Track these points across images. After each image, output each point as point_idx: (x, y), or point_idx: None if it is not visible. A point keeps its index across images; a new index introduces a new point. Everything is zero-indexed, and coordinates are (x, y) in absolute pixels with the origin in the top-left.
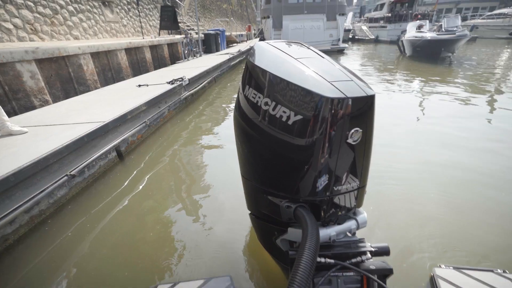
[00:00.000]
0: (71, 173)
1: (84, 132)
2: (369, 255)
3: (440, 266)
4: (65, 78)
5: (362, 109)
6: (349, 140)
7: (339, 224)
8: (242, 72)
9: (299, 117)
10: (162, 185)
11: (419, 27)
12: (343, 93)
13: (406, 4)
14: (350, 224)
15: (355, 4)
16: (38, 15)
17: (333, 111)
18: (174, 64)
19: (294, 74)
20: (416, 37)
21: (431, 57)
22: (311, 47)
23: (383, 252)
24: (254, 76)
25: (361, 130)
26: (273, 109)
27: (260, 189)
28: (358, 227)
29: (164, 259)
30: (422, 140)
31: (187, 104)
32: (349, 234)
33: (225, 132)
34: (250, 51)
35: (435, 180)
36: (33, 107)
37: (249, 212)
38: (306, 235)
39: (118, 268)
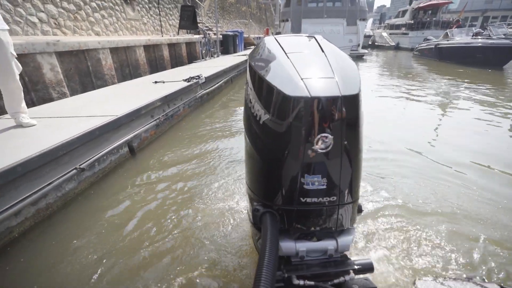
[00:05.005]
0: (81, 166)
1: (96, 125)
2: (352, 274)
3: (421, 279)
4: (84, 71)
5: (332, 112)
6: (316, 147)
7: (318, 240)
8: None
9: (267, 116)
10: (172, 184)
11: (476, 34)
12: (308, 92)
13: (430, 12)
14: (327, 244)
15: (375, 11)
16: (62, 10)
17: (295, 112)
18: (192, 63)
19: (269, 69)
20: (477, 43)
21: (495, 64)
22: (325, 41)
23: (366, 269)
24: (248, 72)
25: (332, 137)
26: (253, 107)
27: (248, 189)
28: (336, 249)
29: (167, 257)
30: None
31: (203, 103)
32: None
33: (241, 133)
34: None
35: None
36: (51, 99)
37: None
38: (264, 248)
39: (124, 269)
